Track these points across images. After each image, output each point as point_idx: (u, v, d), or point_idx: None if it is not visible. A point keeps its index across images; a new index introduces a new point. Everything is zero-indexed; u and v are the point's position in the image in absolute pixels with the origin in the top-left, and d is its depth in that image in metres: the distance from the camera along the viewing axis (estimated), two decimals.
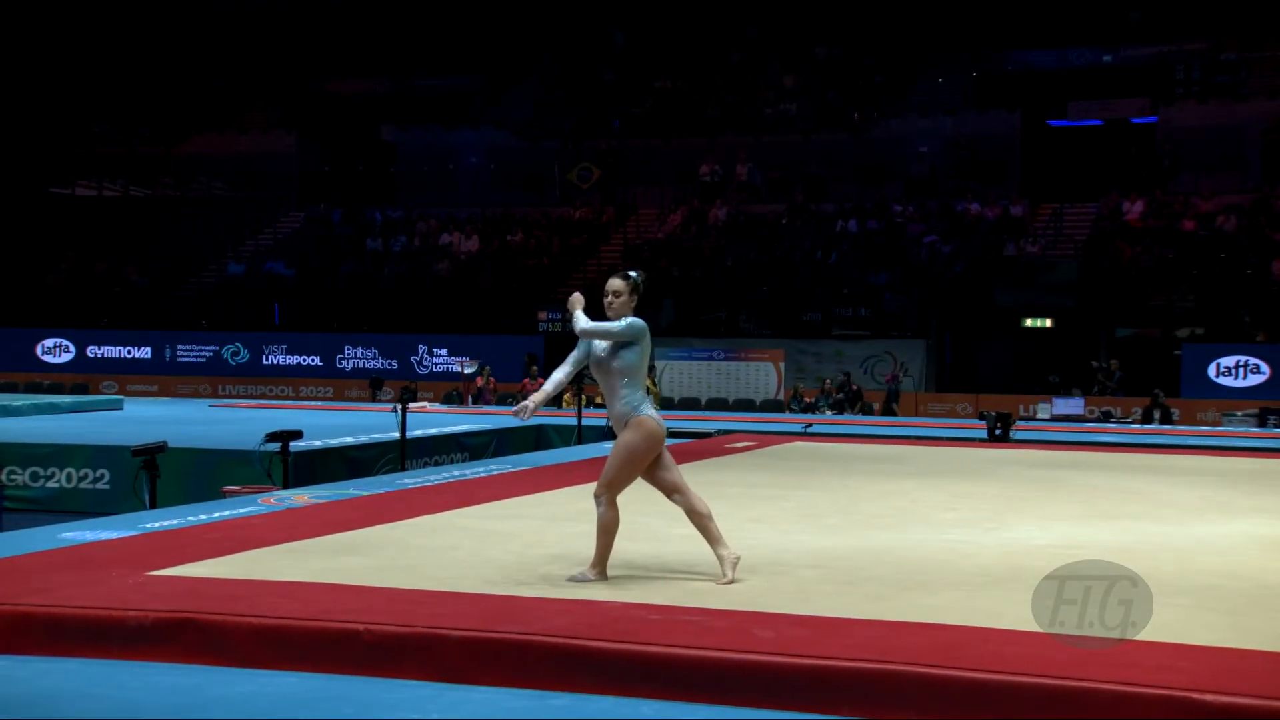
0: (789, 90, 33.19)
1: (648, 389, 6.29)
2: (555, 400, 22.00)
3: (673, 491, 6.14)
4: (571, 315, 6.17)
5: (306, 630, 4.98)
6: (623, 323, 6.09)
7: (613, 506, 6.05)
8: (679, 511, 6.21)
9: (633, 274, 6.23)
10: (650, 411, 6.10)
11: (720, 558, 6.05)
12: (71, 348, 28.86)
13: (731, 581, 5.94)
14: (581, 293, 6.31)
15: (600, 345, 6.14)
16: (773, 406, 21.52)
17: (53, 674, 4.83)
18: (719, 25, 35.08)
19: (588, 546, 6.16)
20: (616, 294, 6.15)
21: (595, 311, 6.19)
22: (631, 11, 35.73)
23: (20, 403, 18.84)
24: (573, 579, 5.98)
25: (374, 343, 27.33)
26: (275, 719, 4.39)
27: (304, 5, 37.07)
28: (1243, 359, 22.61)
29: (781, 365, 22.60)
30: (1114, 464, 12.61)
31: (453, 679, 4.75)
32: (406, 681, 4.76)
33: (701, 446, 13.79)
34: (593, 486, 6.17)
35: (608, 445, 13.70)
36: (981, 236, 27.60)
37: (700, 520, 6.11)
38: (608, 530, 6.01)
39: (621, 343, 6.09)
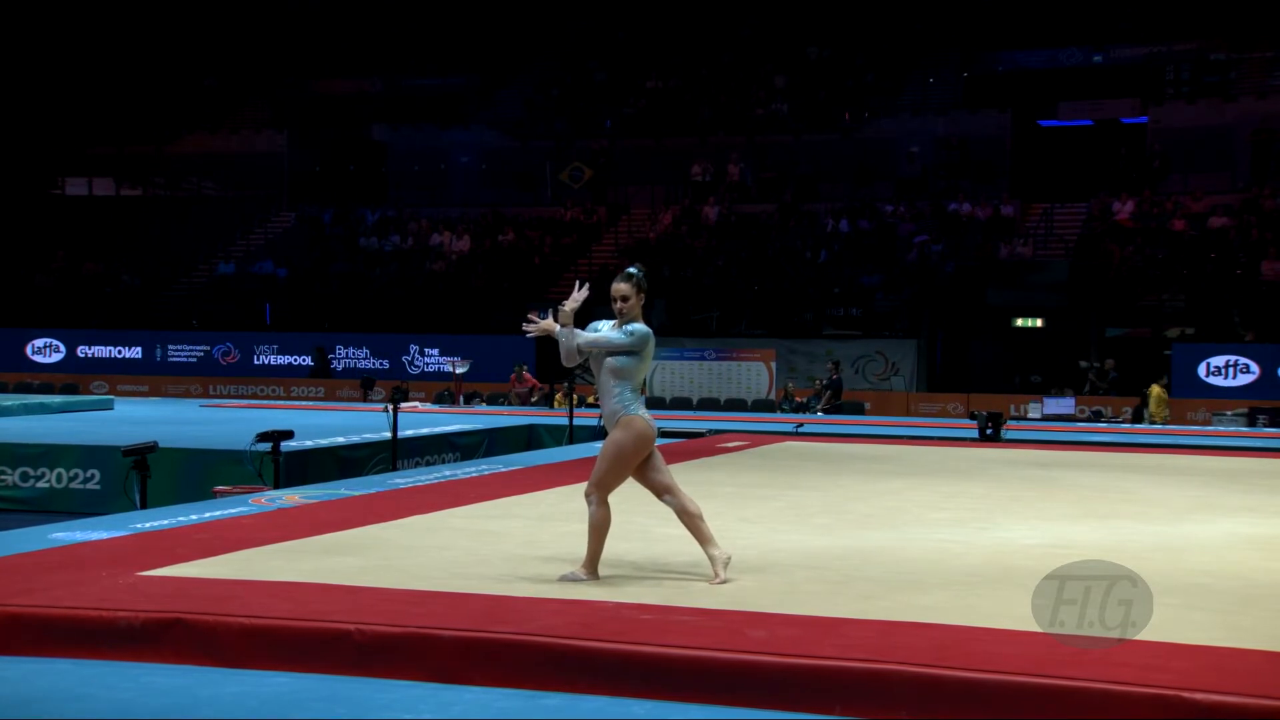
0: (780, 90, 33.22)
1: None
2: (547, 399, 21.94)
3: (663, 492, 6.14)
4: (557, 330, 6.01)
5: (298, 630, 4.98)
6: (625, 334, 6.03)
7: (604, 505, 6.04)
8: (670, 511, 6.21)
9: (633, 271, 6.15)
10: (640, 411, 6.08)
11: (711, 558, 6.04)
12: (62, 347, 28.78)
13: (724, 581, 5.94)
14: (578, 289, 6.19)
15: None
16: (764, 406, 21.52)
17: (43, 675, 4.82)
18: (711, 25, 35.10)
19: (580, 546, 6.16)
20: (625, 298, 6.07)
21: (596, 310, 6.17)
22: (623, 11, 35.74)
23: (10, 403, 18.79)
24: (564, 579, 5.98)
25: (365, 343, 27.30)
26: (267, 719, 4.38)
27: (295, 5, 37.03)
28: (1232, 359, 22.66)
29: (773, 365, 22.61)
30: (1104, 463, 12.64)
31: (445, 679, 4.75)
32: (398, 681, 4.75)
33: (693, 446, 13.79)
34: (584, 486, 6.17)
35: (599, 445, 13.71)
36: (972, 236, 27.65)
37: (691, 520, 6.11)
38: (599, 529, 6.01)
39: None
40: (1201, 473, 11.82)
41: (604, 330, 6.13)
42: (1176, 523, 8.43)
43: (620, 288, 6.08)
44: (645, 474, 6.15)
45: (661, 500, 6.18)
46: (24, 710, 4.42)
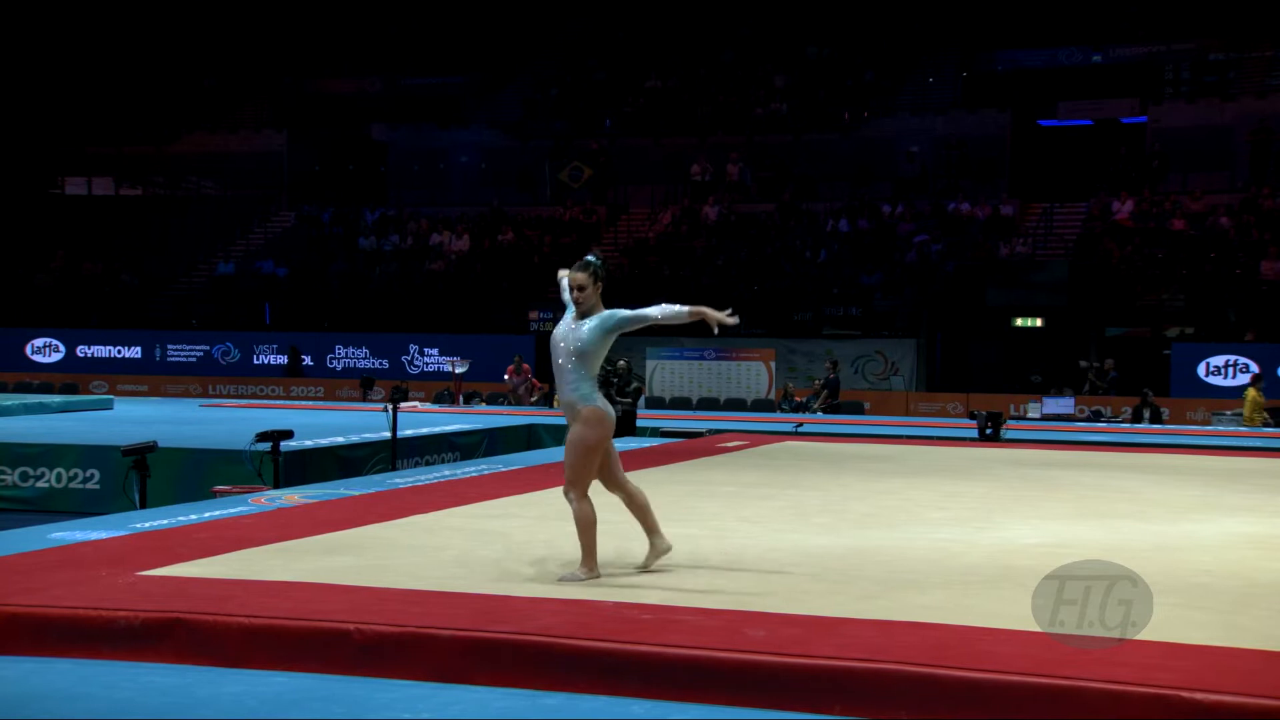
0: (780, 90, 33.21)
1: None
2: (547, 399, 21.98)
3: (611, 483, 6.14)
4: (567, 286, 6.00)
5: (297, 630, 4.98)
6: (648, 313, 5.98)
7: (584, 500, 6.00)
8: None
9: (591, 259, 6.02)
10: (599, 401, 6.00)
11: (652, 544, 6.13)
12: (61, 347, 28.79)
13: (648, 569, 6.01)
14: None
15: (565, 325, 6.01)
16: (764, 406, 21.52)
17: (42, 674, 4.82)
18: (710, 25, 35.10)
19: (578, 545, 6.15)
20: (580, 287, 5.94)
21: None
22: (622, 11, 35.74)
23: (10, 402, 18.79)
24: (564, 579, 5.96)
25: (365, 342, 27.31)
26: (266, 719, 4.38)
27: (294, 5, 37.02)
28: (1232, 358, 22.67)
29: (772, 365, 22.61)
30: (1104, 463, 12.63)
31: (444, 679, 4.75)
32: (398, 681, 4.75)
33: (693, 446, 13.79)
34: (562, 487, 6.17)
35: None
36: (972, 236, 27.65)
37: (638, 510, 6.17)
38: (587, 525, 5.98)
39: (590, 326, 5.94)
40: (1201, 472, 11.82)
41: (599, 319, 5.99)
42: (1176, 522, 8.43)
43: (578, 276, 5.96)
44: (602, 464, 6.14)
45: (609, 491, 6.19)
46: (23, 709, 4.42)
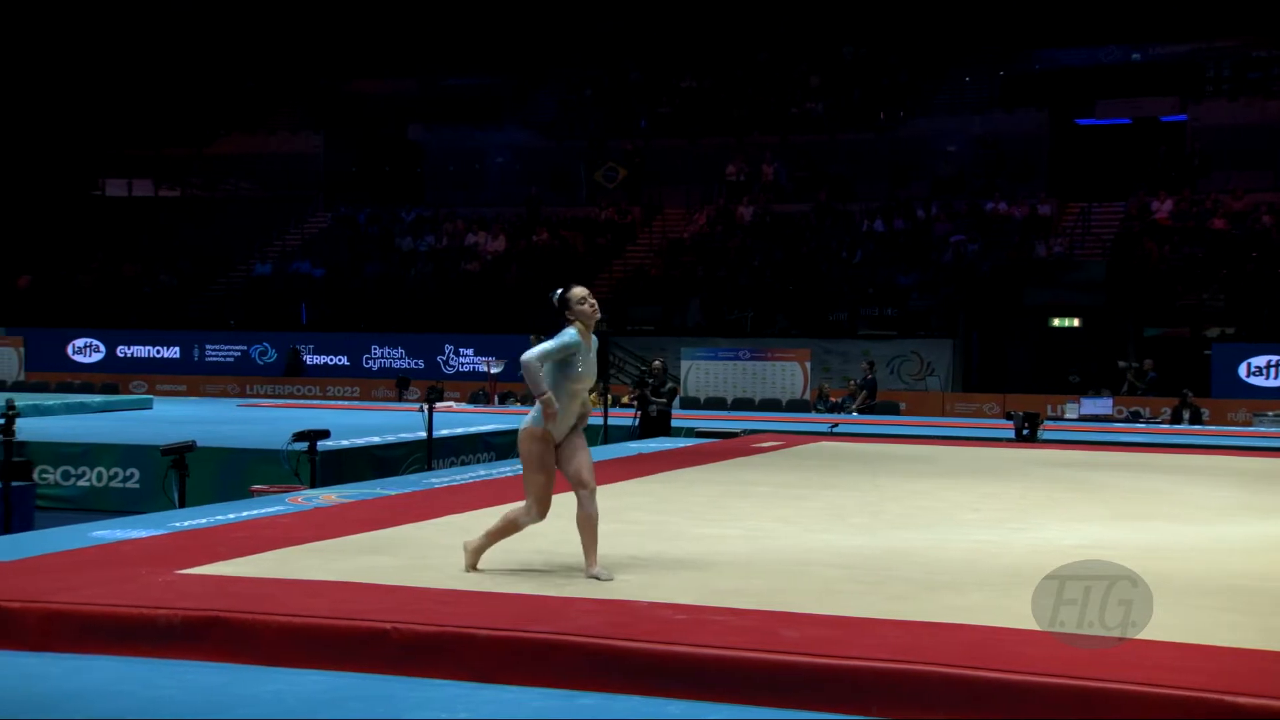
0: (815, 89, 33.14)
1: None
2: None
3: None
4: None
5: (335, 629, 5.01)
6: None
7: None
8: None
9: None
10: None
11: (475, 546, 6.24)
12: (101, 347, 29.08)
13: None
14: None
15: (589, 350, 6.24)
16: (799, 406, 21.47)
17: (83, 672, 4.87)
18: (746, 25, 35.05)
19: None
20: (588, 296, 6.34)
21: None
22: (658, 11, 35.74)
23: (51, 402, 19.01)
24: (597, 577, 5.99)
25: (401, 342, 27.43)
26: (303, 718, 4.42)
27: (331, 6, 37.25)
28: (1274, 358, 22.44)
29: (808, 365, 22.57)
30: (1142, 464, 12.54)
31: (480, 678, 4.77)
32: (434, 681, 4.78)
33: (728, 446, 13.78)
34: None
35: (634, 445, 13.74)
36: (1009, 236, 27.49)
37: (513, 527, 6.32)
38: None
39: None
40: (1241, 474, 11.72)
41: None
42: (1214, 524, 8.36)
43: (585, 289, 6.31)
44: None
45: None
46: (64, 707, 4.47)
